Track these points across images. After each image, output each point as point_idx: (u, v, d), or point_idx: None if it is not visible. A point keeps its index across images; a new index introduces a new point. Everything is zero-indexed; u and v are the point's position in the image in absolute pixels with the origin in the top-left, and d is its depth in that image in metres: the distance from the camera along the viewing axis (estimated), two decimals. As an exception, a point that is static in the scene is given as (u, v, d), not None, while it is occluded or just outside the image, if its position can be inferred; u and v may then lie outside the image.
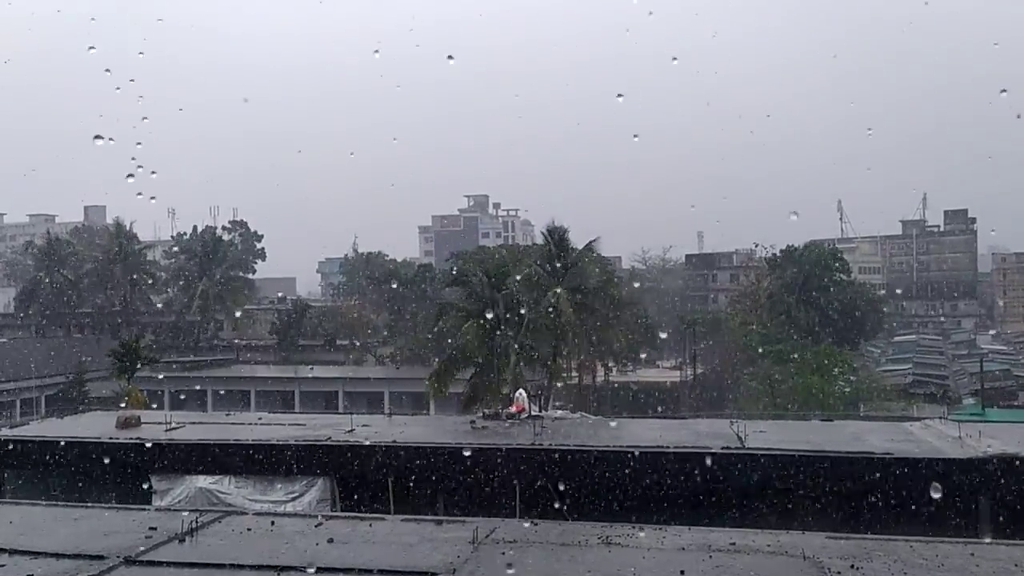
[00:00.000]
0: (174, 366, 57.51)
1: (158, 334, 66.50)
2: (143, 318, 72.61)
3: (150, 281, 77.33)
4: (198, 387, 55.48)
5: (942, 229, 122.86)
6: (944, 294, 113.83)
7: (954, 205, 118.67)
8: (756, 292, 66.85)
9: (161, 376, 53.62)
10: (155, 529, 11.77)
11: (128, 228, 77.82)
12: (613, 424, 26.41)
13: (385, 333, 68.07)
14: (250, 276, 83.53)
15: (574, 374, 47.33)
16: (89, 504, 15.72)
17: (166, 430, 23.70)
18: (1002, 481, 17.26)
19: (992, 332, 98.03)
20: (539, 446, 20.26)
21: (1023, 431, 21.34)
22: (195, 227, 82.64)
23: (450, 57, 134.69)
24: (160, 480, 21.33)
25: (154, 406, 43.04)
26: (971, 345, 76.31)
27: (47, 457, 22.07)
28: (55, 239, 79.32)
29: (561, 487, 18.71)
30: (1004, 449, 18.04)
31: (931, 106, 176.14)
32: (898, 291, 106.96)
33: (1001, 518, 17.11)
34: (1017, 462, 17.48)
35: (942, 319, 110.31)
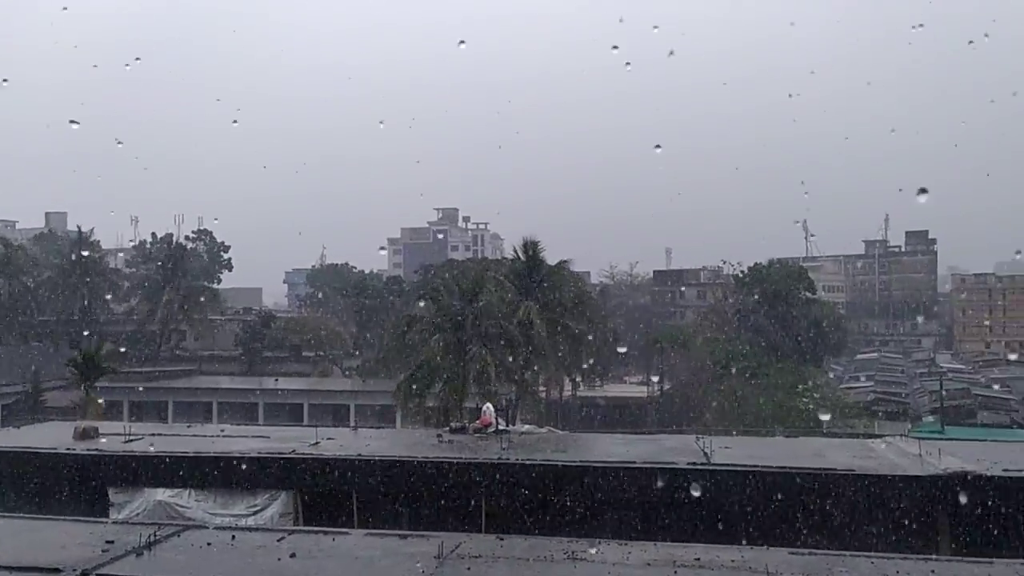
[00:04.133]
0: (134, 376, 56.50)
1: (119, 343, 65.27)
2: (103, 327, 71.13)
3: (110, 290, 76.01)
4: (159, 398, 54.62)
5: (903, 249, 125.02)
6: (905, 313, 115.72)
7: (915, 226, 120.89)
8: (723, 309, 67.45)
9: (121, 386, 52.71)
10: (112, 543, 11.52)
11: (89, 235, 76.68)
12: (580, 439, 26.41)
13: (352, 345, 67.57)
14: (215, 286, 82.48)
15: (542, 389, 47.32)
16: (45, 516, 15.36)
17: (125, 441, 23.22)
18: (961, 498, 17.48)
19: (951, 351, 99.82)
20: (505, 460, 20.17)
21: (981, 449, 21.66)
22: (153, 234, 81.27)
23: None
24: (118, 493, 20.89)
25: (109, 414, 42.24)
26: (931, 364, 77.43)
27: (2, 468, 21.56)
28: (13, 245, 77.70)
29: (527, 502, 18.65)
30: (963, 467, 18.30)
31: (899, 127, 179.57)
32: (859, 310, 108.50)
33: (960, 535, 17.35)
34: (975, 480, 17.74)
35: (903, 338, 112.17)
